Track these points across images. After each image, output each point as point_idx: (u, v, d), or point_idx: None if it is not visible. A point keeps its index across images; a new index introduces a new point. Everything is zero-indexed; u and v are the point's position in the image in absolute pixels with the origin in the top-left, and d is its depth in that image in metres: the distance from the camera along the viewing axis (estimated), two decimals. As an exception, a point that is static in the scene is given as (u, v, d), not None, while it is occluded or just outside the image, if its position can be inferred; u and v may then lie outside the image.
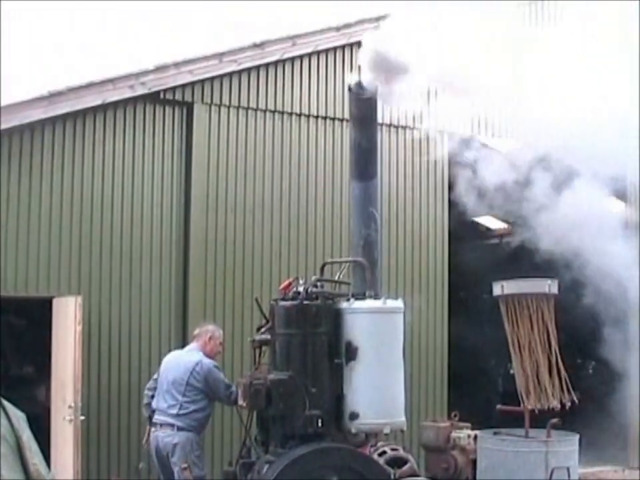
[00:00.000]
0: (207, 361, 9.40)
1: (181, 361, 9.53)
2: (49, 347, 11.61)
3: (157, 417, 9.50)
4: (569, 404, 10.86)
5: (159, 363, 10.34)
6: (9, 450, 5.01)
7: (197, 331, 9.98)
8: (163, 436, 9.31)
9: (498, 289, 11.07)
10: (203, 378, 9.22)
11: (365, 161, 8.92)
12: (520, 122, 14.63)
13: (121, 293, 11.97)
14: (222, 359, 11.42)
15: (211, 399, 9.34)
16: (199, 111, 12.53)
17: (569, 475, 10.45)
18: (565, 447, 10.63)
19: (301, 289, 8.36)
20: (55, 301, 11.53)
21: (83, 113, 11.82)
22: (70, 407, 10.79)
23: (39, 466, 5.14)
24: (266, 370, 8.52)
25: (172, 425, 9.20)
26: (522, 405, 11.03)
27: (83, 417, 10.93)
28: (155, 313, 12.12)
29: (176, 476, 9.20)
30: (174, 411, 9.25)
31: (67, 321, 11.09)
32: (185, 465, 8.96)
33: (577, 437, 10.86)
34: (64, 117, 11.67)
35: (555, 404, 10.87)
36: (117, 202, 12.05)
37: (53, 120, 11.60)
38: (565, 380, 10.94)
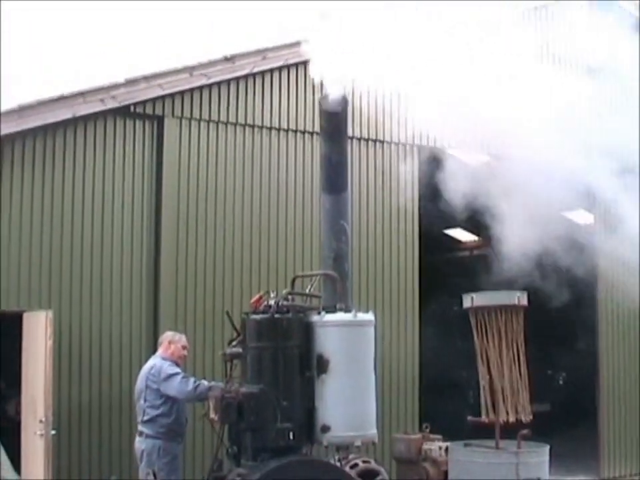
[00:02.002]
0: (161, 362, 9.35)
1: (143, 371, 9.53)
2: (20, 362, 11.56)
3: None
4: (529, 417, 10.90)
5: (130, 377, 10.34)
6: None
7: (159, 340, 9.97)
8: (135, 443, 9.32)
9: (468, 301, 11.13)
10: (158, 378, 9.17)
11: (335, 174, 8.95)
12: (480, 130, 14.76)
13: (91, 307, 11.93)
14: (193, 371, 11.42)
15: (174, 401, 9.20)
16: (170, 125, 12.54)
17: (539, 486, 10.52)
18: (536, 458, 10.68)
19: (272, 302, 8.37)
20: (25, 316, 11.47)
21: (54, 126, 11.78)
22: (41, 421, 10.72)
23: (9, 474, 5.17)
24: (237, 383, 8.54)
25: (141, 433, 9.21)
26: (486, 416, 11.07)
27: (54, 431, 10.87)
28: (125, 327, 12.08)
29: (140, 482, 9.21)
30: (140, 418, 9.27)
31: (38, 335, 11.03)
32: (148, 471, 8.93)
33: (548, 447, 10.92)
34: (34, 131, 11.64)
35: (524, 416, 10.92)
36: (87, 216, 12.01)
37: (23, 134, 11.56)
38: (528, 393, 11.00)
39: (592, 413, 17.46)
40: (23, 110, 11.44)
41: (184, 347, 9.73)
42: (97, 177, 12.09)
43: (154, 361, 9.38)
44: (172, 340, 9.62)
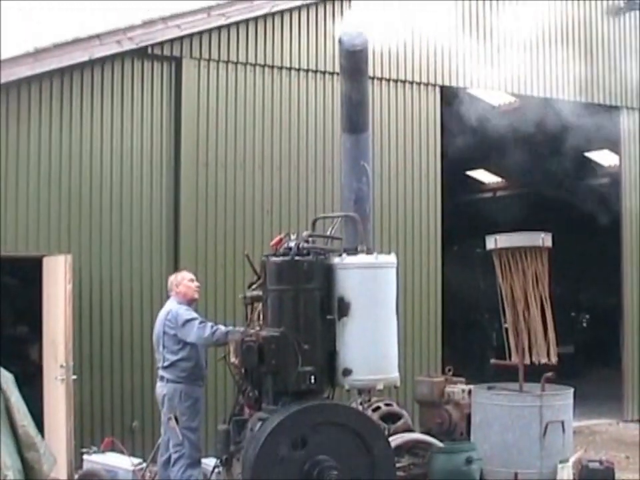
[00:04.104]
0: (177, 307, 9.24)
1: (159, 317, 9.44)
2: (41, 307, 11.55)
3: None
4: (555, 360, 10.83)
5: (151, 321, 10.27)
6: (-2, 414, 4.98)
7: (168, 288, 9.81)
8: (157, 388, 9.28)
9: (491, 242, 11.01)
10: (175, 324, 9.07)
11: (356, 114, 8.78)
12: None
13: (111, 250, 11.89)
14: (214, 315, 11.37)
15: (193, 345, 9.13)
16: (188, 66, 12.39)
17: (563, 429, 10.45)
18: (560, 401, 10.62)
19: (292, 244, 8.24)
20: (45, 260, 11.45)
21: (70, 69, 11.68)
22: (62, 366, 10.72)
23: (27, 427, 5.11)
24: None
25: (162, 378, 9.16)
26: (510, 359, 11.00)
27: (74, 376, 10.87)
28: (145, 270, 12.04)
29: (163, 427, 9.16)
30: (160, 364, 9.20)
31: (57, 279, 11.00)
32: (170, 415, 8.90)
33: (572, 390, 10.84)
34: (50, 74, 11.53)
35: (549, 358, 10.84)
36: (106, 159, 11.94)
37: (39, 77, 11.46)
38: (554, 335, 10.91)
39: (616, 355, 17.40)
40: (38, 53, 11.33)
41: (191, 280, 9.55)
42: (114, 120, 11.98)
43: (170, 306, 9.29)
44: (179, 282, 9.48)
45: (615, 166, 18.97)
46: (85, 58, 11.65)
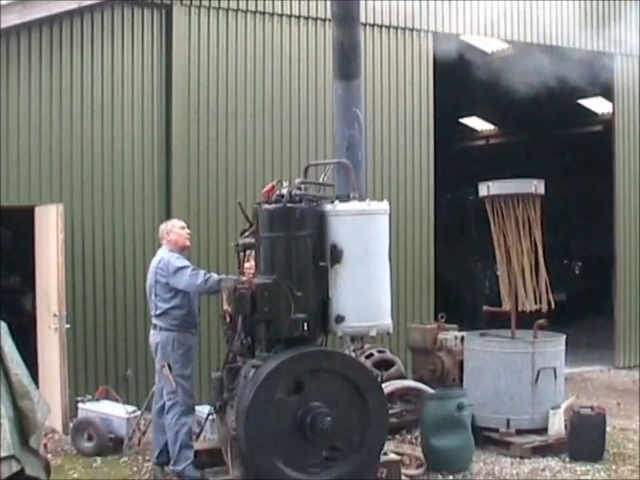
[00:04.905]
0: (168, 254, 9.20)
1: (151, 265, 9.39)
2: (34, 257, 11.53)
3: None
4: (547, 307, 10.85)
5: (144, 269, 10.25)
6: (-10, 363, 4.96)
7: (159, 236, 9.73)
8: (150, 336, 9.28)
9: (484, 189, 10.98)
10: (167, 272, 9.02)
11: (347, 61, 8.72)
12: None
13: (103, 199, 11.87)
14: (207, 264, 11.38)
15: (185, 293, 9.09)
16: (178, 13, 12.26)
17: (555, 376, 10.50)
18: (551, 348, 10.66)
19: (284, 191, 8.22)
20: (36, 210, 11.42)
21: (60, 17, 11.57)
22: (55, 315, 10.72)
23: (21, 376, 5.10)
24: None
25: (155, 326, 9.14)
26: (502, 306, 11.03)
27: (68, 326, 10.87)
28: (137, 219, 12.01)
29: (157, 374, 9.17)
30: (153, 312, 9.19)
31: (49, 229, 10.97)
32: (163, 363, 8.91)
33: (564, 337, 10.88)
34: (39, 22, 11.42)
35: (540, 305, 10.87)
36: (97, 108, 11.87)
37: (28, 25, 11.35)
38: (547, 282, 10.92)
39: (608, 303, 17.46)
40: (27, 0, 11.19)
41: (182, 228, 9.49)
42: (105, 68, 11.90)
43: (161, 255, 9.24)
44: (169, 230, 9.42)
45: (608, 114, 18.92)
46: (74, 6, 11.52)
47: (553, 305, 10.91)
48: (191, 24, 12.35)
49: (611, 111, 17.02)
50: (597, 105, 21.48)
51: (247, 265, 8.79)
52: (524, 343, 10.61)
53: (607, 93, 17.19)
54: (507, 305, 11.01)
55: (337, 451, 7.94)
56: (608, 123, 17.59)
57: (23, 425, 5.09)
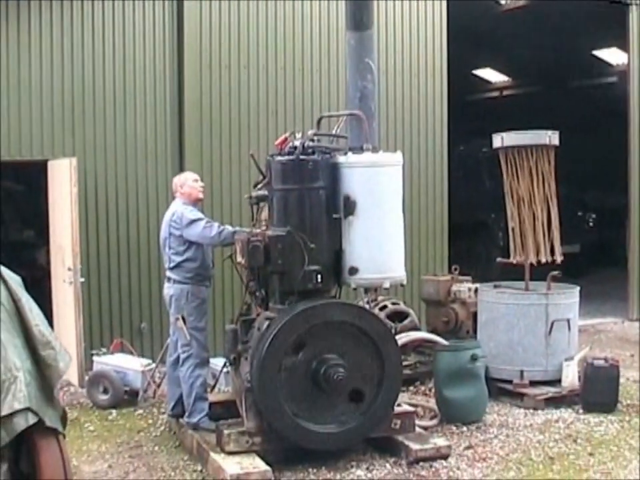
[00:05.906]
0: (182, 207, 9.17)
1: (165, 218, 9.36)
2: (47, 211, 11.55)
3: None
4: (560, 258, 10.83)
5: (157, 222, 10.23)
6: (6, 316, 4.97)
7: (173, 190, 9.70)
8: (164, 289, 9.28)
9: (497, 141, 10.92)
10: (180, 224, 8.99)
11: (360, 11, 8.67)
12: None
13: (116, 152, 11.84)
14: (220, 217, 11.35)
15: (198, 246, 9.06)
16: (190, -36, 12.18)
17: (568, 327, 10.50)
18: (565, 299, 10.64)
19: (297, 143, 8.20)
20: (49, 164, 11.41)
21: (71, -32, 11.50)
22: (69, 269, 10.75)
23: (41, 326, 5.11)
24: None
25: (169, 279, 9.13)
26: (515, 257, 10.99)
27: (82, 279, 10.91)
28: (150, 172, 12.00)
29: (171, 327, 9.20)
30: (166, 265, 9.17)
31: (62, 183, 10.97)
32: (177, 316, 8.92)
33: (577, 289, 10.86)
34: (52, -26, 11.36)
35: (554, 257, 10.84)
36: (109, 62, 11.81)
37: (40, -22, 11.29)
38: (558, 235, 10.90)
39: (622, 255, 17.43)
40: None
41: (195, 180, 9.44)
42: (116, 21, 11.81)
43: (175, 207, 9.21)
44: (181, 183, 9.37)
45: (623, 65, 18.77)
46: (87, -44, 11.47)
47: (564, 258, 10.89)
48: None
49: (625, 62, 16.87)
50: (612, 55, 21.30)
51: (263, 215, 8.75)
52: (537, 295, 10.60)
53: (622, 44, 17.02)
54: (514, 257, 10.98)
55: (354, 402, 8.01)
56: (623, 74, 17.44)
57: (46, 374, 5.09)
